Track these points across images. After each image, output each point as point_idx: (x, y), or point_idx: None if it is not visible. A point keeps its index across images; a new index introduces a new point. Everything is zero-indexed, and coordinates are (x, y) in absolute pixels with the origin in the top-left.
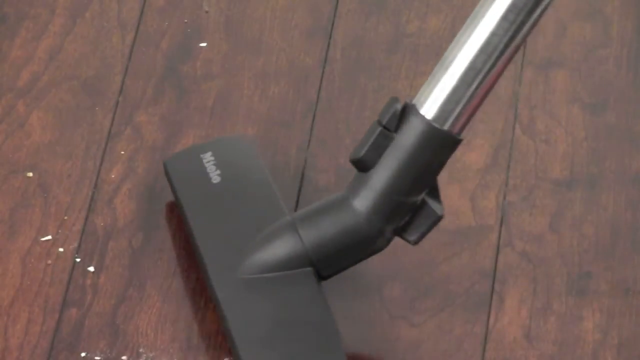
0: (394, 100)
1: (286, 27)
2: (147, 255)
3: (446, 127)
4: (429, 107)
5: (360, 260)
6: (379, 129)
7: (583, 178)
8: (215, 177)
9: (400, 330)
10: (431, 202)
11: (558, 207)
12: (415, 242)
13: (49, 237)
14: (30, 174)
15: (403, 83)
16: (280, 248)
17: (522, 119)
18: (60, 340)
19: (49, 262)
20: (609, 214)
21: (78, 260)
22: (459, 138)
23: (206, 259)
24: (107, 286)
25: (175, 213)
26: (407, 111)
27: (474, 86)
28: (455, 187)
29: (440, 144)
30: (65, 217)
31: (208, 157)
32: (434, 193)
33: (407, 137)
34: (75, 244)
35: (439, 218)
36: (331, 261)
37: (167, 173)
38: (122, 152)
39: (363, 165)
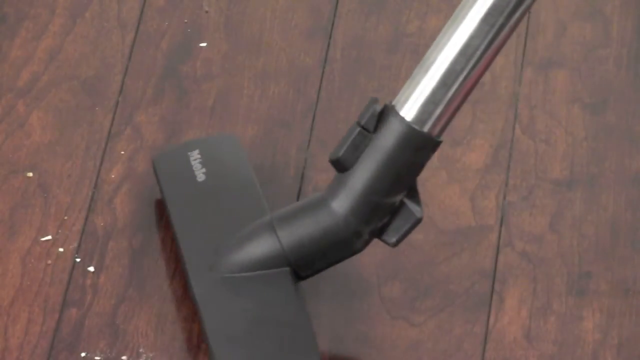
0: (373, 101)
1: (286, 27)
2: (147, 255)
3: (425, 129)
4: (409, 108)
5: (338, 261)
6: (358, 129)
7: (583, 178)
8: (200, 175)
9: (400, 330)
10: (410, 204)
11: (558, 207)
12: (395, 244)
13: (49, 237)
14: (30, 174)
15: (403, 83)
16: (258, 247)
17: (522, 119)
18: (60, 340)
19: (49, 262)
20: (609, 214)
21: (78, 260)
22: (438, 140)
23: (186, 256)
24: (107, 286)
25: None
26: (386, 112)
27: (453, 88)
28: (455, 187)
29: (419, 145)
30: (65, 217)
31: (195, 155)
32: (413, 195)
33: (386, 138)
34: (75, 244)
35: (418, 220)
36: (308, 262)
37: (154, 170)
38: (122, 152)
39: (341, 165)
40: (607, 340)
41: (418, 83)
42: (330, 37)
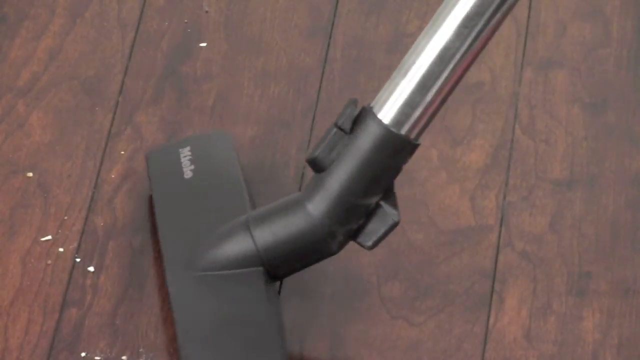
0: (352, 102)
1: (286, 27)
2: (147, 255)
3: (403, 131)
4: (387, 111)
5: (313, 262)
6: (334, 129)
7: (583, 178)
8: (188, 172)
9: (400, 330)
10: (386, 207)
11: (558, 207)
12: (371, 248)
13: (49, 237)
14: (30, 174)
15: None
16: (233, 246)
17: (522, 119)
18: (60, 340)
19: (49, 262)
20: (609, 214)
21: (78, 260)
22: (415, 143)
23: (164, 253)
24: (107, 286)
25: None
26: (364, 114)
27: (432, 92)
28: (455, 187)
29: (395, 148)
30: (65, 217)
31: (186, 152)
32: (391, 198)
33: (363, 140)
34: (75, 244)
35: (394, 224)
36: (282, 262)
37: (147, 166)
38: (122, 152)
39: (317, 165)
40: (607, 340)
41: (396, 85)
42: (330, 37)
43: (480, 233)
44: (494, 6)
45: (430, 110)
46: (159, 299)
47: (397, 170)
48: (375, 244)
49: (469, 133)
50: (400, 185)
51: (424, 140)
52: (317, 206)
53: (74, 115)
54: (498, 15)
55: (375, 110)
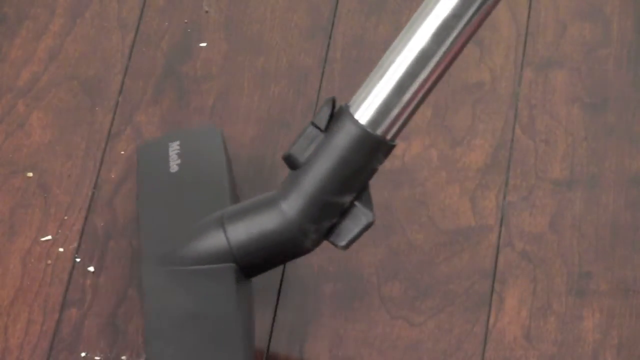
0: (329, 100)
1: (286, 27)
2: None
3: (378, 132)
4: (363, 111)
5: (287, 260)
6: (310, 127)
7: (583, 178)
8: (174, 166)
9: (400, 330)
10: (360, 207)
11: (558, 207)
12: (344, 248)
13: (49, 237)
14: (30, 174)
15: None
16: (206, 242)
17: (522, 119)
18: (60, 340)
19: (49, 262)
20: (609, 214)
21: (78, 260)
22: (391, 144)
23: (141, 246)
24: (107, 286)
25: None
26: (341, 113)
27: (408, 93)
28: (455, 187)
29: (371, 148)
30: (65, 217)
31: (175, 146)
32: (365, 198)
33: (338, 139)
34: (75, 244)
35: (369, 224)
36: (254, 258)
37: (137, 158)
38: (122, 152)
39: (292, 162)
40: (607, 340)
41: (374, 86)
42: (330, 37)
43: (480, 233)
44: (472, 9)
45: (407, 112)
46: None
47: (372, 170)
48: (349, 243)
49: (469, 133)
50: (400, 185)
51: (424, 140)
52: (290, 203)
53: (74, 115)
54: (476, 18)
55: (352, 110)
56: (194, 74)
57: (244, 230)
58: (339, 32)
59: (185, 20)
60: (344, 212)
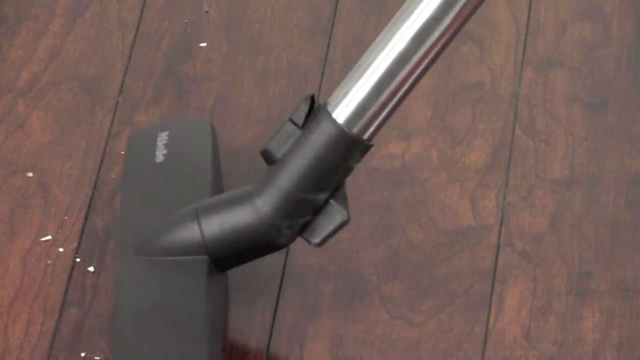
0: (307, 97)
1: (286, 27)
2: None
3: (355, 131)
4: (341, 110)
5: (260, 255)
6: (287, 123)
7: (583, 178)
8: (160, 156)
9: (400, 330)
10: (335, 206)
11: (558, 207)
12: (318, 245)
13: (49, 237)
14: (30, 174)
15: None
16: (180, 233)
17: (522, 119)
18: (60, 340)
19: (49, 262)
20: (609, 214)
21: (78, 260)
22: (368, 144)
23: (119, 236)
24: (107, 286)
25: None
26: (318, 111)
27: (386, 94)
28: (455, 187)
29: (347, 147)
30: (65, 217)
31: (163, 137)
32: (341, 197)
33: (315, 137)
34: (75, 244)
35: (343, 222)
36: (227, 252)
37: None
38: (122, 152)
39: (268, 158)
40: (607, 340)
41: (352, 85)
42: (330, 37)
43: (480, 233)
44: (453, 11)
45: (385, 112)
46: None
47: (347, 169)
48: (323, 241)
49: (469, 133)
50: (400, 185)
51: (424, 140)
52: (264, 199)
53: (74, 115)
54: (458, 21)
55: (330, 108)
56: (194, 74)
57: (218, 224)
58: (339, 32)
59: (185, 20)
60: (318, 209)
